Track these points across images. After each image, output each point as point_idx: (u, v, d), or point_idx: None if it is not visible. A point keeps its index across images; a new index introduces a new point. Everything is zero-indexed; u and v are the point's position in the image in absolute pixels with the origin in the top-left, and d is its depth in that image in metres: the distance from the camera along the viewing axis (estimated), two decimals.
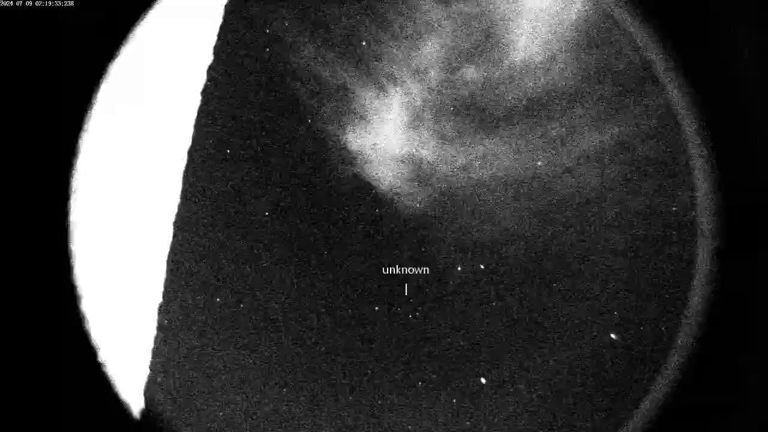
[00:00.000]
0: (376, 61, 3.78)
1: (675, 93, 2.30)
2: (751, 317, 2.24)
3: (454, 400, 3.73)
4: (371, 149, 3.81)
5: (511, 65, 3.74)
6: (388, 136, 3.83)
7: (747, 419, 2.21)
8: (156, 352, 3.66)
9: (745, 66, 2.09)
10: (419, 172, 3.84)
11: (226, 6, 3.92)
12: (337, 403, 3.77)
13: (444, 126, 3.83)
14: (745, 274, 2.26)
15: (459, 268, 3.82)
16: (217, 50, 3.90)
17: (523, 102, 3.79)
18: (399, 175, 3.82)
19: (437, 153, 3.83)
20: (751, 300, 2.24)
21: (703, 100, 2.24)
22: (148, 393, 3.56)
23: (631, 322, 3.64)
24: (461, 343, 3.83)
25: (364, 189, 3.84)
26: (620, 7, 2.39)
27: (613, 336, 3.65)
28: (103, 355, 2.22)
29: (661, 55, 2.30)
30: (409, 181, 3.83)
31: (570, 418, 3.62)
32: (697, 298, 2.40)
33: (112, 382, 2.21)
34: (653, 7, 2.25)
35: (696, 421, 2.28)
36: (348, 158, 3.81)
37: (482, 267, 3.80)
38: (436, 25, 3.71)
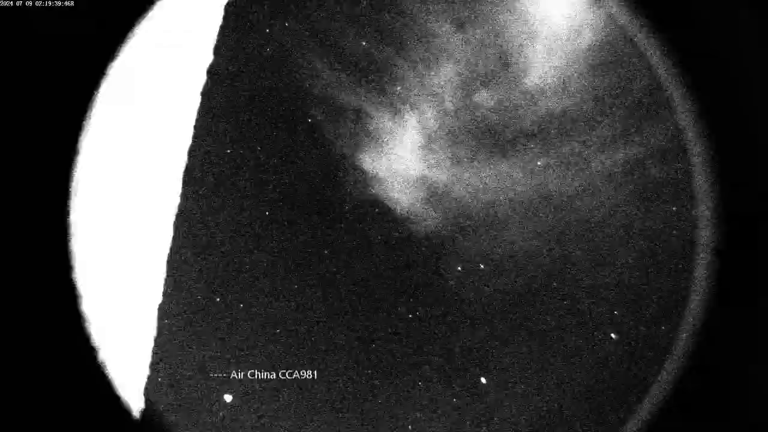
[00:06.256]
0: (391, 84, 3.79)
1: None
2: (751, 318, 2.24)
3: (454, 400, 3.73)
4: (386, 171, 3.83)
5: (525, 89, 3.76)
6: (403, 158, 3.86)
7: (747, 419, 2.21)
8: (156, 352, 3.66)
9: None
10: (433, 193, 3.86)
11: (226, 6, 3.92)
12: (337, 403, 3.77)
13: (458, 148, 3.85)
14: (745, 274, 2.26)
15: (459, 268, 3.83)
16: (217, 50, 3.90)
17: (537, 124, 3.81)
18: (413, 196, 3.84)
19: (451, 175, 3.86)
20: (751, 300, 2.24)
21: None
22: (148, 393, 3.56)
23: (631, 322, 3.64)
24: (461, 343, 3.82)
25: (378, 210, 3.86)
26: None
27: (613, 336, 3.65)
28: (103, 355, 2.22)
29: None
30: (424, 203, 3.85)
31: (570, 418, 3.62)
32: (697, 298, 2.40)
33: (112, 382, 2.21)
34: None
35: (696, 421, 2.28)
36: (363, 179, 3.83)
37: (482, 266, 3.80)
38: (451, 49, 3.72)
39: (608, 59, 3.68)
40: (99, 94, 2.21)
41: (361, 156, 3.86)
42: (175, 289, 3.77)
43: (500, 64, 3.77)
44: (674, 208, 3.63)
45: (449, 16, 3.71)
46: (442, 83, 3.80)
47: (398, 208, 3.87)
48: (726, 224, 2.28)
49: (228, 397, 3.49)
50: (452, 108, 3.82)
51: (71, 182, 2.17)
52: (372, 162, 3.86)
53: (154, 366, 3.64)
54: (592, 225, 3.74)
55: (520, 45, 3.73)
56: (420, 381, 3.78)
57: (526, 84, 3.78)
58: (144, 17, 2.25)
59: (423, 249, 3.86)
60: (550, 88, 3.76)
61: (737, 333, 2.26)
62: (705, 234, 2.38)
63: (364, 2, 3.81)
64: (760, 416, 2.19)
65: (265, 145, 3.96)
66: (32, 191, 2.11)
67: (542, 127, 3.82)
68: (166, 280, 3.74)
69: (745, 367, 2.23)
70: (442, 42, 3.74)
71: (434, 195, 3.89)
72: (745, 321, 2.25)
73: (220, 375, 3.72)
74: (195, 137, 3.86)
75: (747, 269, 2.25)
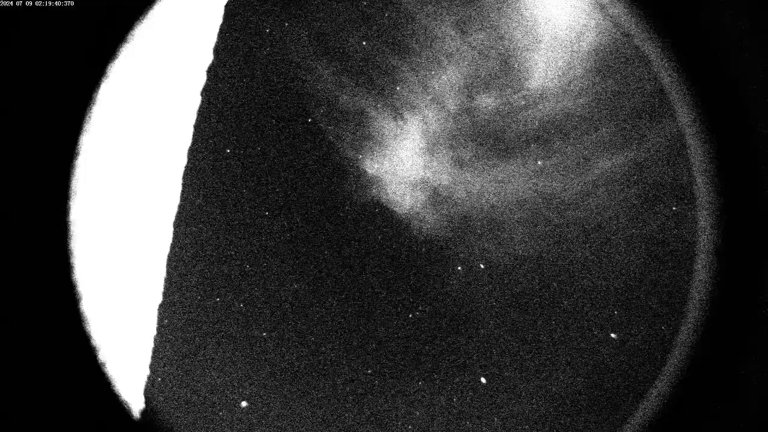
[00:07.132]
0: (393, 86, 3.80)
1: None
2: (751, 318, 2.24)
3: (454, 400, 3.73)
4: (388, 173, 3.84)
5: (528, 92, 3.76)
6: (405, 161, 3.87)
7: (747, 420, 2.21)
8: (156, 352, 3.66)
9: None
10: (435, 196, 3.87)
11: (226, 6, 3.92)
12: (337, 403, 3.77)
13: (460, 152, 3.87)
14: (745, 275, 2.26)
15: (459, 269, 3.83)
16: (217, 50, 3.90)
17: (539, 128, 3.82)
18: (415, 198, 3.85)
19: (453, 178, 3.87)
20: (752, 300, 2.25)
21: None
22: (148, 393, 3.56)
23: (631, 322, 3.64)
24: (461, 343, 3.82)
25: (379, 211, 3.87)
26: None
27: (613, 336, 3.65)
28: (103, 355, 2.22)
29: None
30: (425, 205, 3.86)
31: (570, 418, 3.62)
32: (697, 298, 2.40)
33: (112, 382, 2.21)
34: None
35: (696, 421, 2.28)
36: (364, 181, 3.84)
37: (482, 266, 3.80)
38: (454, 53, 3.72)
39: (610, 62, 3.69)
40: (99, 94, 2.21)
41: (362, 157, 3.87)
42: (175, 289, 3.77)
43: (502, 67, 3.77)
44: (675, 210, 3.63)
45: (451, 18, 3.71)
46: (444, 86, 3.81)
47: (399, 209, 3.88)
48: (726, 225, 2.28)
49: (244, 404, 3.50)
50: (454, 110, 3.83)
51: (71, 182, 2.17)
52: (373, 164, 3.87)
53: (154, 366, 3.64)
54: (593, 227, 3.75)
55: (522, 48, 3.74)
56: (420, 381, 3.78)
57: (527, 87, 3.79)
58: (144, 17, 2.26)
59: (424, 250, 3.87)
60: (551, 91, 3.77)
61: (737, 333, 2.26)
62: (705, 235, 2.38)
63: (365, 3, 3.82)
64: (760, 416, 2.19)
65: (266, 145, 3.96)
66: (32, 191, 2.11)
67: (544, 129, 3.83)
68: (166, 280, 3.75)
69: (745, 367, 2.23)
70: (444, 44, 3.75)
71: (435, 197, 3.89)
72: (745, 321, 2.25)
73: (220, 375, 3.71)
74: (195, 137, 3.86)
75: (747, 269, 2.26)
